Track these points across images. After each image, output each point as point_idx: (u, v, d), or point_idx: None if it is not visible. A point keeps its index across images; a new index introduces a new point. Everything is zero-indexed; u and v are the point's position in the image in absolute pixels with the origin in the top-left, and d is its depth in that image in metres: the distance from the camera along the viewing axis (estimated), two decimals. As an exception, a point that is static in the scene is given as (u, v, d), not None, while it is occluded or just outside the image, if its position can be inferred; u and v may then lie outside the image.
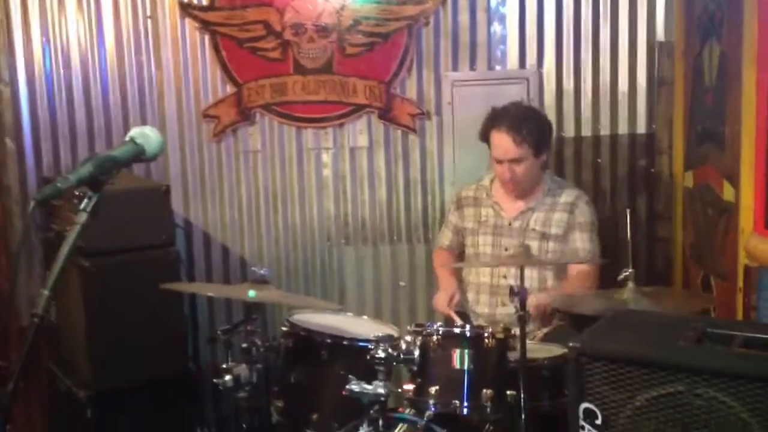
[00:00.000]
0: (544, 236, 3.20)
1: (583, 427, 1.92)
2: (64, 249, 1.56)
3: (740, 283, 2.87)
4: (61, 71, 3.82)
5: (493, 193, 3.34)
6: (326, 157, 3.87)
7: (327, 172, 3.87)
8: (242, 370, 2.84)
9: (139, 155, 1.69)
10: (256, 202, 3.90)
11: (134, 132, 1.72)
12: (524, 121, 3.16)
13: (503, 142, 3.15)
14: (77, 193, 1.64)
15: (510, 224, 3.27)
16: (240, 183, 3.89)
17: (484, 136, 3.25)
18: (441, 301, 3.22)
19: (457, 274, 3.39)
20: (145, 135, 1.71)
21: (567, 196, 3.26)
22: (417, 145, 3.82)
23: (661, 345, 1.92)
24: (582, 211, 3.24)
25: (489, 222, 3.31)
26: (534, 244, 3.17)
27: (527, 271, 2.71)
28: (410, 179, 3.85)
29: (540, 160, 3.23)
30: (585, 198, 3.30)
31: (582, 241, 3.22)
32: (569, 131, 3.76)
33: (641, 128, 3.75)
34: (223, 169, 3.88)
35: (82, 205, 1.59)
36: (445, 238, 3.49)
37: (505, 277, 3.22)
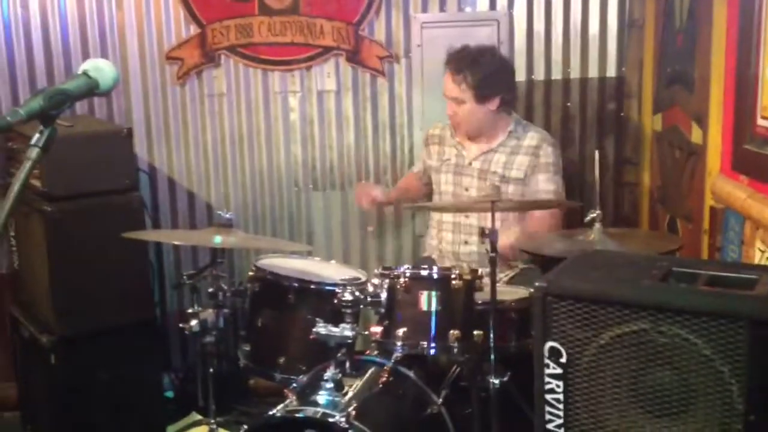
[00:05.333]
0: (504, 179, 3.18)
1: (547, 365, 1.92)
2: (15, 185, 1.49)
3: (706, 225, 2.88)
4: (19, 11, 3.69)
5: (458, 132, 3.32)
6: (293, 101, 3.80)
7: (294, 116, 3.81)
8: (209, 314, 2.83)
9: (92, 89, 1.61)
10: (221, 147, 3.83)
11: (87, 65, 1.63)
12: (468, 64, 3.14)
13: (446, 79, 3.20)
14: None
15: (470, 164, 3.25)
16: (205, 127, 3.81)
17: None
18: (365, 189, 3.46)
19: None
20: (99, 68, 1.63)
21: (531, 139, 3.22)
22: (386, 88, 3.77)
23: (625, 283, 1.92)
24: (546, 152, 3.20)
25: (451, 161, 3.30)
26: None
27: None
28: (378, 123, 3.80)
29: (486, 108, 3.17)
30: (550, 140, 3.26)
31: (544, 183, 3.19)
32: (539, 74, 3.73)
33: (611, 71, 3.72)
34: (187, 113, 3.79)
35: (33, 141, 1.52)
36: (416, 166, 3.60)
37: (467, 216, 3.21)
